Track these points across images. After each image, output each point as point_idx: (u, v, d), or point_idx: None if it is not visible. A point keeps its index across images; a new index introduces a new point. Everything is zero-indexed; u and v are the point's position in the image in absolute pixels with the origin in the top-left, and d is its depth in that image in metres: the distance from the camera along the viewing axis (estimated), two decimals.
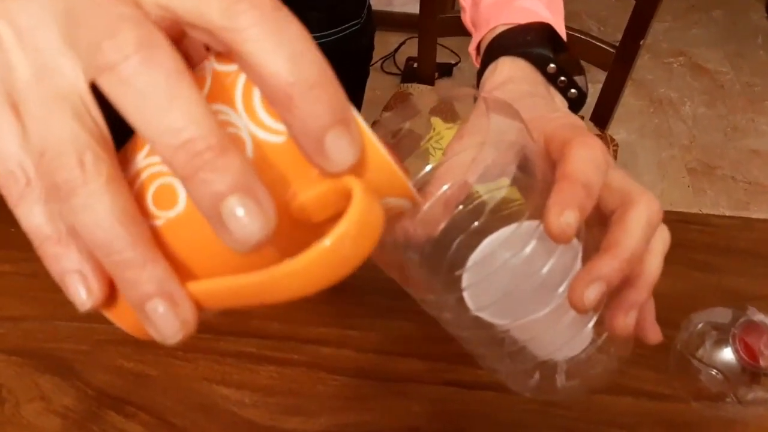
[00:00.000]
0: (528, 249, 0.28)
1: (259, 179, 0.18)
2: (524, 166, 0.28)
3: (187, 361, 0.48)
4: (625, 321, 0.30)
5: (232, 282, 0.19)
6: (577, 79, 0.40)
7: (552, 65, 0.39)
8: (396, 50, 2.01)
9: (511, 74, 0.38)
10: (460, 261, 0.28)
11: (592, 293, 0.28)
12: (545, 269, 0.29)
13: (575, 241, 0.30)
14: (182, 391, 0.47)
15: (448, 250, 0.28)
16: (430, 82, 1.18)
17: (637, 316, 0.31)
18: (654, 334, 0.34)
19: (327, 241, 0.18)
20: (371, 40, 0.65)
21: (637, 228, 0.30)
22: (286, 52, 0.17)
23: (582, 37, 1.05)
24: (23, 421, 0.45)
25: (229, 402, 0.46)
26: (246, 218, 0.17)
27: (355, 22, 0.58)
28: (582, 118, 1.10)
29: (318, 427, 0.46)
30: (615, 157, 1.08)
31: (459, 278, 0.29)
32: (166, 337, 0.19)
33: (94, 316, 0.50)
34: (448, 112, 0.33)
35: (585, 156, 0.29)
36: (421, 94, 1.20)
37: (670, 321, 0.51)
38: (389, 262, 0.28)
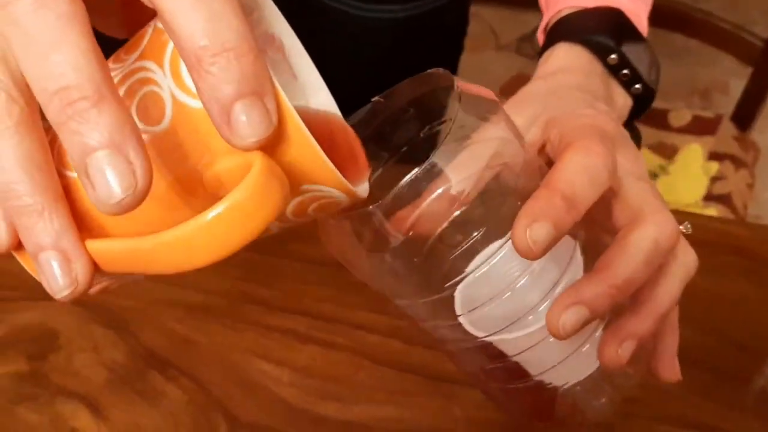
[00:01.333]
0: (526, 268, 0.25)
1: (142, 139, 0.17)
2: (502, 178, 0.24)
3: (235, 331, 0.48)
4: (615, 352, 0.26)
5: (120, 245, 0.18)
6: (646, 72, 0.35)
7: (613, 56, 0.34)
8: (534, 31, 1.93)
9: (566, 63, 0.34)
10: (453, 273, 0.25)
11: (570, 318, 0.24)
12: (553, 288, 0.25)
13: (579, 257, 0.26)
14: (225, 361, 0.47)
15: (442, 260, 0.25)
16: None
17: (645, 347, 0.26)
18: (669, 372, 0.30)
19: (209, 214, 0.16)
20: (461, 19, 0.62)
21: (637, 250, 0.25)
22: (203, 14, 0.16)
23: (726, 27, 0.95)
24: (71, 369, 0.46)
25: (268, 378, 0.46)
26: (110, 176, 0.16)
27: None
28: (719, 118, 1.00)
29: (352, 416, 0.44)
30: (753, 166, 0.97)
31: (449, 291, 0.26)
32: (55, 291, 0.18)
33: (156, 276, 0.52)
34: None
35: (579, 163, 0.25)
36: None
37: (756, 350, 0.45)
38: (358, 266, 0.26)
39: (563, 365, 0.28)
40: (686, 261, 0.28)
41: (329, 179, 0.19)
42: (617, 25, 0.35)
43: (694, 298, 0.49)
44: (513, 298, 0.26)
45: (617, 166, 0.29)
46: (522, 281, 0.25)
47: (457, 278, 0.25)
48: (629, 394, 0.31)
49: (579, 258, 0.27)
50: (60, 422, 0.44)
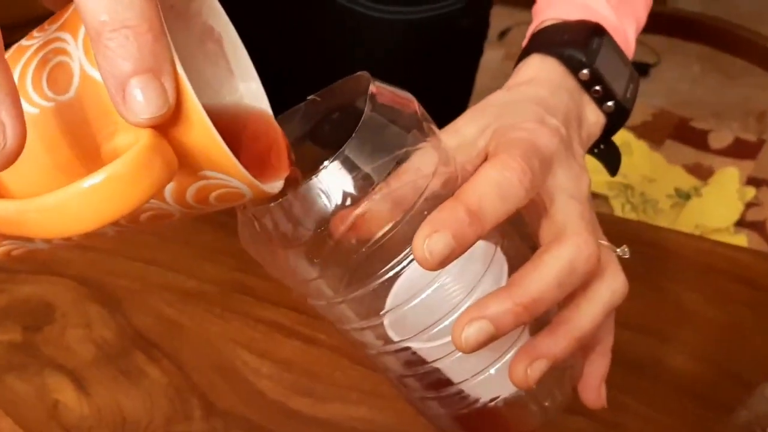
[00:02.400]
0: (439, 273, 0.24)
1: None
2: (416, 182, 0.24)
3: (223, 320, 0.49)
4: (524, 371, 0.25)
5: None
6: (621, 90, 0.34)
7: (585, 71, 0.33)
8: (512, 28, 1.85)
9: (535, 75, 0.33)
10: (365, 274, 0.25)
11: (472, 333, 0.24)
12: (469, 295, 0.25)
13: (501, 266, 0.25)
14: (208, 347, 0.47)
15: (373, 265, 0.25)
16: None
17: (572, 370, 0.26)
18: (593, 398, 0.29)
19: (85, 182, 0.17)
20: (480, 23, 0.61)
21: (550, 269, 0.25)
22: None
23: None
24: (63, 343, 0.48)
25: (248, 369, 0.46)
26: None
27: (454, 0, 0.55)
28: (761, 142, 0.96)
29: (324, 413, 0.44)
30: None
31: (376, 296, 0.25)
32: None
33: (153, 259, 0.52)
34: None
35: (491, 177, 0.24)
36: None
37: (751, 381, 0.43)
38: (271, 263, 0.26)
39: (484, 378, 0.27)
40: (614, 286, 0.27)
41: (229, 168, 0.19)
42: (593, 40, 0.34)
43: (693, 325, 0.48)
44: (429, 302, 0.25)
45: (553, 183, 0.28)
46: (435, 285, 0.25)
47: (371, 279, 0.25)
48: (553, 417, 0.30)
49: (501, 266, 0.27)
50: (44, 393, 0.45)
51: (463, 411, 0.29)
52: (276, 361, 0.47)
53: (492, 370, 0.27)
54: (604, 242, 0.29)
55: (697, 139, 0.98)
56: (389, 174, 0.23)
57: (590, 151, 0.37)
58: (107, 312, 0.50)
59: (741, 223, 0.87)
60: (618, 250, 0.29)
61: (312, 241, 0.24)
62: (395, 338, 0.27)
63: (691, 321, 0.49)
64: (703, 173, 0.94)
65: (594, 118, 0.34)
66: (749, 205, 0.89)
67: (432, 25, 0.55)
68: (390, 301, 0.26)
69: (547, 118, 0.29)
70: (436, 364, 0.27)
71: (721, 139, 0.97)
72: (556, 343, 0.26)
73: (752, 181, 0.92)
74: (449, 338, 0.25)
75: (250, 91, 0.25)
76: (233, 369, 0.46)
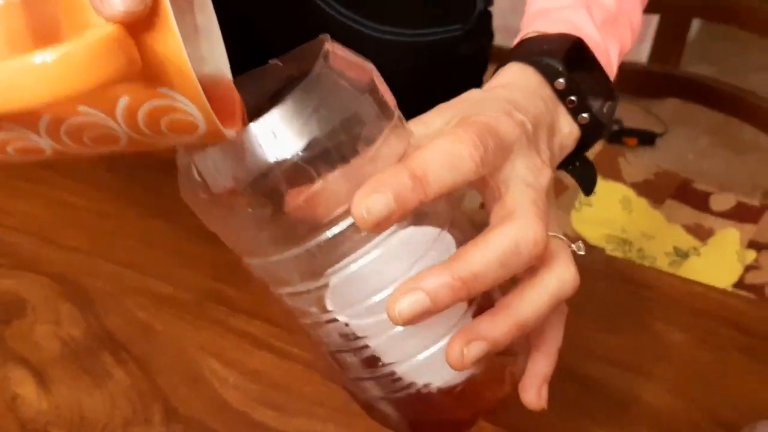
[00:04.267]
0: (381, 240, 0.23)
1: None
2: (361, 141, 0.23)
3: (194, 327, 0.48)
4: (461, 350, 0.24)
5: None
6: (597, 105, 0.34)
7: (561, 80, 0.33)
8: None
9: (512, 80, 0.33)
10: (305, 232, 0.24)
11: (406, 305, 0.24)
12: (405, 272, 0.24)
13: (449, 252, 0.25)
14: (176, 353, 0.46)
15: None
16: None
17: (512, 368, 0.25)
18: (533, 397, 0.28)
19: (38, 55, 0.17)
20: (480, 55, 0.62)
21: (494, 247, 0.24)
22: None
23: None
24: (30, 338, 0.47)
25: (215, 377, 0.45)
26: None
27: (457, 27, 0.55)
28: (763, 207, 0.95)
29: (290, 427, 0.42)
30: None
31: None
32: None
33: (132, 263, 0.51)
34: None
35: (441, 147, 0.24)
36: None
37: (722, 427, 0.42)
38: (206, 213, 0.25)
39: (418, 362, 0.26)
40: (563, 276, 0.26)
41: (188, 88, 0.19)
42: (572, 52, 0.34)
43: (679, 365, 0.46)
44: (367, 273, 0.24)
45: (511, 172, 0.27)
46: (374, 255, 0.24)
47: (308, 239, 0.24)
48: (487, 411, 0.29)
49: (447, 249, 0.26)
50: (4, 386, 0.44)
51: (397, 395, 0.27)
52: (244, 371, 0.45)
53: (426, 354, 0.26)
54: (559, 234, 0.28)
55: (699, 201, 0.97)
56: (335, 130, 0.23)
57: (565, 168, 0.37)
58: (78, 311, 0.48)
59: (740, 285, 0.85)
60: (573, 245, 0.28)
61: (250, 189, 0.23)
62: (330, 307, 0.26)
63: (678, 361, 0.47)
64: (703, 234, 0.93)
65: (567, 129, 0.34)
66: (749, 268, 0.88)
67: (432, 50, 0.55)
68: (327, 268, 0.25)
69: (515, 112, 0.29)
70: (370, 342, 0.26)
71: (723, 202, 0.96)
72: (496, 326, 0.25)
73: (753, 245, 0.90)
74: (385, 315, 0.24)
75: (213, 53, 0.25)
76: (200, 376, 0.45)
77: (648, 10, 0.44)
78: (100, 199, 0.57)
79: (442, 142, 0.24)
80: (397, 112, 0.26)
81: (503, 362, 0.28)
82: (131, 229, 0.55)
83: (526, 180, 0.27)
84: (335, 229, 0.24)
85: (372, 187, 0.22)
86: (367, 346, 0.26)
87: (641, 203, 0.97)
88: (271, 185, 0.23)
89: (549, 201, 0.29)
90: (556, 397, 0.44)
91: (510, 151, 0.27)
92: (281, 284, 0.26)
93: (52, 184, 0.58)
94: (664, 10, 1.17)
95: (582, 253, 0.29)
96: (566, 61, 0.33)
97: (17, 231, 0.54)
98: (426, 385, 0.27)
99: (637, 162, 1.04)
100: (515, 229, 0.24)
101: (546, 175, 0.29)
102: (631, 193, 0.98)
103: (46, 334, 0.47)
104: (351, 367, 0.27)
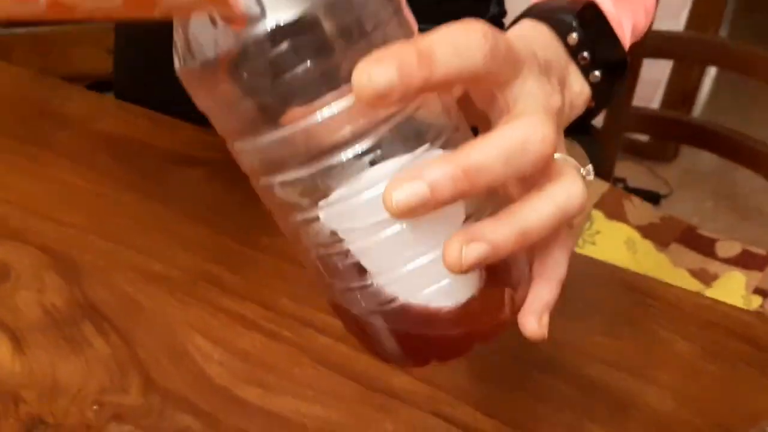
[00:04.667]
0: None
1: None
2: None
3: (183, 304, 0.46)
4: (459, 249, 0.23)
5: None
6: (607, 64, 0.33)
7: (574, 35, 0.32)
8: None
9: (524, 33, 0.32)
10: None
11: (404, 193, 0.23)
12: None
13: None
14: (161, 328, 0.44)
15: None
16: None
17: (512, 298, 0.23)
18: (532, 325, 0.26)
19: None
20: None
21: (500, 141, 0.23)
22: None
23: None
24: (10, 303, 0.45)
25: (199, 353, 0.43)
26: None
27: None
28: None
29: (273, 405, 0.40)
30: None
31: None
32: None
33: (125, 241, 0.50)
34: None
35: (451, 31, 0.23)
36: None
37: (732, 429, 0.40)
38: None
39: (411, 273, 0.24)
40: (570, 190, 0.25)
41: None
42: (586, 11, 0.33)
43: (686, 373, 0.44)
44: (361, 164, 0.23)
45: (521, 88, 0.26)
46: (370, 157, 0.23)
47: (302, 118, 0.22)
48: (485, 338, 0.27)
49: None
50: None
51: (388, 307, 0.25)
52: (231, 350, 0.43)
53: (418, 264, 0.24)
54: (566, 156, 0.27)
55: (704, 247, 0.95)
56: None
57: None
58: (64, 281, 0.47)
59: None
60: (582, 169, 0.27)
61: (243, 53, 0.22)
62: (322, 204, 0.24)
63: (682, 369, 0.45)
64: (708, 279, 0.91)
65: (578, 87, 0.33)
66: None
67: None
68: (322, 152, 0.23)
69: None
70: (359, 245, 0.24)
71: (728, 248, 0.95)
72: (497, 229, 0.23)
73: (759, 292, 0.88)
74: (374, 218, 0.22)
75: None
76: (183, 351, 0.43)
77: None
78: (99, 181, 0.56)
79: (451, 28, 0.23)
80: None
81: (503, 287, 0.27)
82: (127, 210, 0.53)
83: (537, 98, 0.26)
84: (334, 108, 0.22)
85: (376, 57, 0.21)
86: (353, 250, 0.25)
87: (646, 245, 0.95)
88: (267, 51, 0.22)
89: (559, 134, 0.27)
90: (557, 397, 0.42)
91: (521, 67, 0.26)
92: (272, 171, 0.25)
93: (51, 164, 0.57)
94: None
95: (591, 177, 0.28)
96: (579, 17, 0.32)
97: (9, 203, 0.53)
98: (420, 301, 0.25)
99: (643, 206, 1.03)
100: (523, 125, 0.23)
101: (557, 100, 0.28)
102: (636, 234, 0.96)
103: (28, 300, 0.45)
104: (340, 274, 0.26)
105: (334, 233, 0.24)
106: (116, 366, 0.41)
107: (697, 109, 2.00)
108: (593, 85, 0.33)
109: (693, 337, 0.47)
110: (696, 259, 0.95)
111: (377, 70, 0.21)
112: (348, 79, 0.21)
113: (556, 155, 0.26)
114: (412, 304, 0.25)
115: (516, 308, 0.27)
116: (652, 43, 0.99)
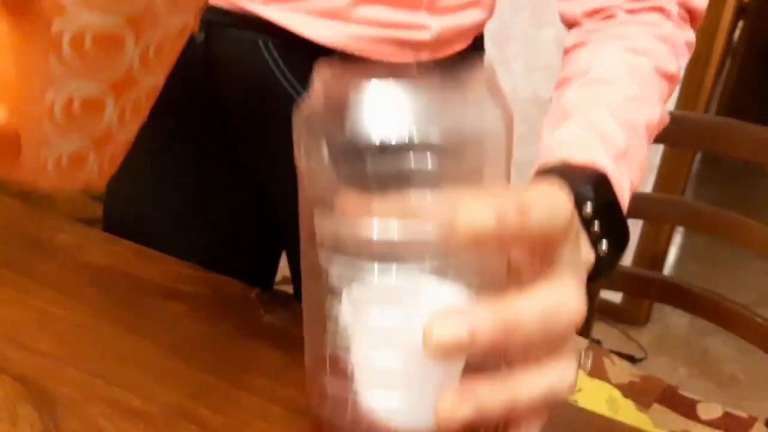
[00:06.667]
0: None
1: None
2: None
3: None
4: (451, 403, 0.23)
5: None
6: (611, 240, 0.34)
7: (588, 208, 0.34)
8: None
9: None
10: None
11: (446, 329, 0.22)
12: None
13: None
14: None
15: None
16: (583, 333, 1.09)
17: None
18: None
19: None
20: None
21: (532, 296, 0.24)
22: None
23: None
24: None
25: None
26: None
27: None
28: (752, 420, 0.93)
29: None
30: None
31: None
32: None
33: (102, 373, 0.48)
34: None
35: (544, 191, 0.24)
36: None
37: None
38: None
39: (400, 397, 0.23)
40: (562, 373, 0.25)
41: None
42: (600, 187, 0.35)
43: None
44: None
45: (565, 252, 0.27)
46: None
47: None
48: None
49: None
50: None
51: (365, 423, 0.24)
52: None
53: (411, 393, 0.24)
54: (578, 337, 0.27)
55: (686, 408, 0.94)
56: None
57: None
58: (37, 414, 0.44)
59: None
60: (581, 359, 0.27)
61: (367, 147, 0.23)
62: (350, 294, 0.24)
63: None
64: None
65: (585, 255, 0.34)
66: None
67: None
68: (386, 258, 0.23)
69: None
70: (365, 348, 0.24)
71: (710, 410, 0.94)
72: (494, 395, 0.23)
73: None
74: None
75: None
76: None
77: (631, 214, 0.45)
78: (80, 311, 0.55)
79: (543, 189, 0.24)
80: (509, 165, 0.26)
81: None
82: (107, 342, 0.52)
83: (575, 264, 0.27)
84: (422, 233, 0.23)
85: (479, 198, 0.22)
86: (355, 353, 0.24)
87: (628, 405, 0.94)
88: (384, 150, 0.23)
89: None
90: None
91: (572, 230, 0.27)
92: (335, 249, 0.24)
93: (34, 293, 0.56)
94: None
95: (583, 372, 0.28)
96: (595, 190, 0.34)
97: None
98: (399, 423, 0.24)
99: (622, 364, 1.03)
100: (559, 289, 0.24)
101: (583, 265, 0.29)
102: (617, 393, 0.95)
103: None
104: (340, 372, 0.25)
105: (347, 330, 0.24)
106: None
107: (666, 270, 2.05)
108: (600, 258, 0.34)
109: None
110: (678, 421, 0.94)
111: (479, 213, 0.22)
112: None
113: None
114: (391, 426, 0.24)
115: None
116: None
